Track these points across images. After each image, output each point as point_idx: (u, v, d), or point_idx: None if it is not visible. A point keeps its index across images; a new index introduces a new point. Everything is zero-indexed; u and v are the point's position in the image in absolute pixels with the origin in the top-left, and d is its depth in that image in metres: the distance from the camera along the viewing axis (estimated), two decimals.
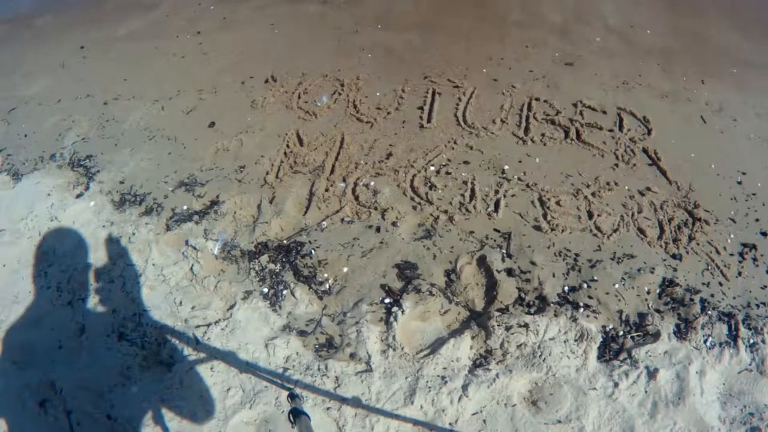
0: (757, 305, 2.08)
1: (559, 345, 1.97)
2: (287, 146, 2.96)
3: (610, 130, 2.88)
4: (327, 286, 2.27)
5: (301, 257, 2.37)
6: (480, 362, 1.96)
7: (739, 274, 2.19)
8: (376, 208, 2.55)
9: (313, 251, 2.39)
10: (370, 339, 2.04)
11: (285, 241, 2.45)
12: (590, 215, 2.44)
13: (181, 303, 2.26)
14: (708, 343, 1.96)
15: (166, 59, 3.91)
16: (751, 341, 1.96)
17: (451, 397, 1.86)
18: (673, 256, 2.26)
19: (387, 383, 1.92)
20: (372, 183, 2.67)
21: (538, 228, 2.40)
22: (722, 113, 2.98)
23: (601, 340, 1.99)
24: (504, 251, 2.30)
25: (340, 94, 3.28)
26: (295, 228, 2.52)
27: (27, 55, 4.24)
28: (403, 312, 2.10)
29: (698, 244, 2.30)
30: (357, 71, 3.46)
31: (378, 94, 3.26)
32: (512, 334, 2.00)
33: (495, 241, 2.36)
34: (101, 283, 2.39)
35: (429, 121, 3.02)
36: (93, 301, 2.31)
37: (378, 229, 2.46)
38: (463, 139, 2.88)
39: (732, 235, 2.34)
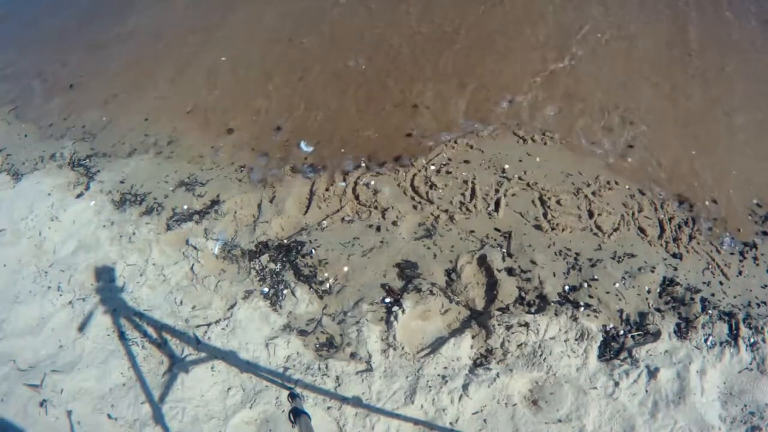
0: (758, 304, 2.07)
1: (560, 344, 1.97)
2: None
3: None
4: (327, 285, 2.27)
5: (301, 256, 2.37)
6: (480, 361, 1.96)
7: (740, 273, 2.19)
8: (376, 208, 2.54)
9: (313, 250, 2.39)
10: (370, 338, 2.03)
11: (285, 241, 2.45)
12: (591, 214, 2.44)
13: (181, 302, 2.26)
14: (708, 343, 1.96)
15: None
16: (752, 340, 1.96)
17: (452, 397, 1.86)
18: (674, 255, 2.26)
19: (387, 383, 1.92)
20: (372, 182, 2.67)
21: (538, 227, 2.40)
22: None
23: (601, 339, 1.99)
24: (504, 250, 2.30)
25: None
26: (295, 227, 2.52)
27: None
28: (403, 311, 2.10)
29: (699, 243, 2.30)
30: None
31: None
32: (513, 333, 2.00)
33: (495, 240, 2.36)
34: (101, 283, 2.39)
35: None
36: (93, 301, 2.31)
37: (378, 229, 2.46)
38: (463, 138, 2.87)
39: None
